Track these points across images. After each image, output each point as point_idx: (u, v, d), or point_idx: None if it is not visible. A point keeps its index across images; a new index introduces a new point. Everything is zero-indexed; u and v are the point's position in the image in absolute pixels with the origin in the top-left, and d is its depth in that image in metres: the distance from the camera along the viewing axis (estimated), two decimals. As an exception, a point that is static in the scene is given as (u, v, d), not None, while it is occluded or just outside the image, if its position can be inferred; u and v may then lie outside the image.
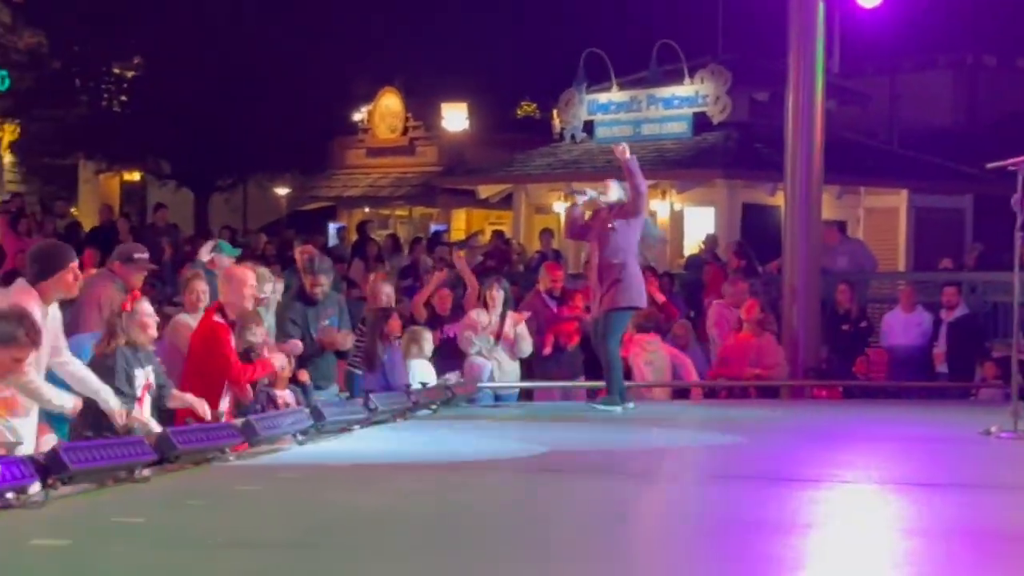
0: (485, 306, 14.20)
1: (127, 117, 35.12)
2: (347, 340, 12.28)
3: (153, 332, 9.48)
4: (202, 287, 11.49)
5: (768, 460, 10.06)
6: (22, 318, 7.53)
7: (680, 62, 27.62)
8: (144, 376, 9.30)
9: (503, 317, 14.10)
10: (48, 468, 7.03)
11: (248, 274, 10.69)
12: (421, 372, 13.07)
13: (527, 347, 14.24)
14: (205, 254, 13.23)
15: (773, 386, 15.89)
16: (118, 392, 8.83)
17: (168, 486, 7.87)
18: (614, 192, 13.11)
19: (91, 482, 7.52)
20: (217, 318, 10.33)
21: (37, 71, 35.71)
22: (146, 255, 10.78)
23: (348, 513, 7.27)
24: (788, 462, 9.91)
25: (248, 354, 10.34)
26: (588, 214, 13.45)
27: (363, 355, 12.73)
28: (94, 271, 13.00)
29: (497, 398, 14.30)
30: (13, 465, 6.83)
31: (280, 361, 10.76)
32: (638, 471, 9.62)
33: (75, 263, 8.39)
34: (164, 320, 11.89)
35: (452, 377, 13.53)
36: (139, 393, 9.23)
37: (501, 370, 14.09)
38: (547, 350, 14.50)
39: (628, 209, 12.99)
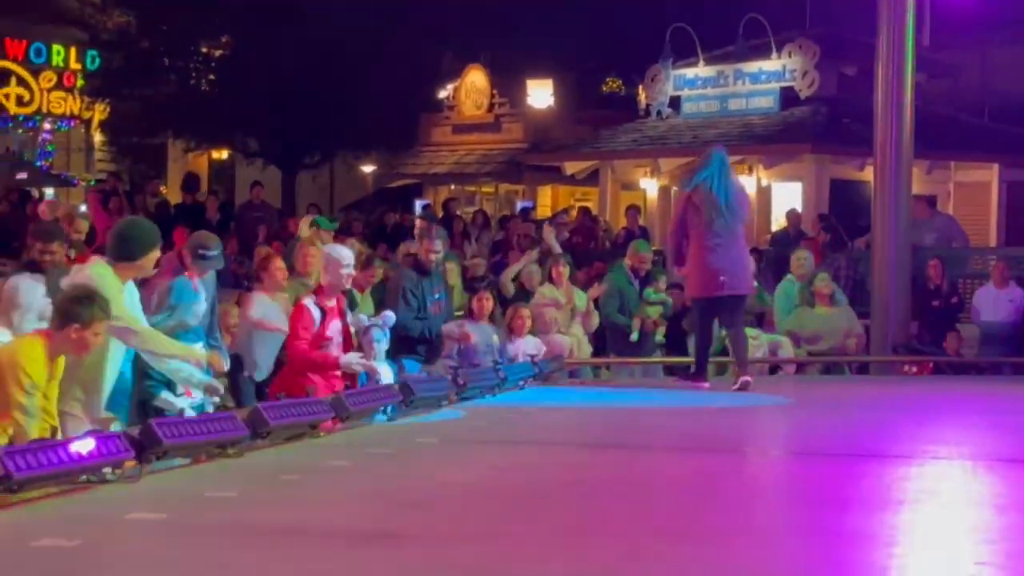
0: (552, 283, 14.22)
1: (214, 96, 35.37)
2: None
3: (193, 321, 9.61)
4: (280, 264, 11.59)
5: (858, 435, 9.99)
6: (91, 295, 7.73)
7: (767, 36, 27.45)
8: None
9: (570, 293, 14.13)
10: (143, 443, 7.13)
11: (343, 253, 10.67)
12: (526, 348, 13.15)
13: (596, 321, 14.24)
14: (305, 228, 13.33)
15: (863, 362, 15.77)
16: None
17: (260, 461, 7.95)
18: None
19: (184, 457, 7.62)
20: (306, 301, 10.40)
21: (126, 51, 36.04)
22: (217, 252, 10.62)
23: (437, 488, 7.31)
24: (878, 438, 9.83)
25: None
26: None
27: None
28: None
29: (571, 374, 14.31)
30: (109, 440, 6.93)
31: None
32: (727, 446, 9.60)
33: (157, 250, 8.61)
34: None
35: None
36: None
37: (579, 347, 14.09)
38: (634, 336, 14.37)
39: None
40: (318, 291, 10.52)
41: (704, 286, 12.53)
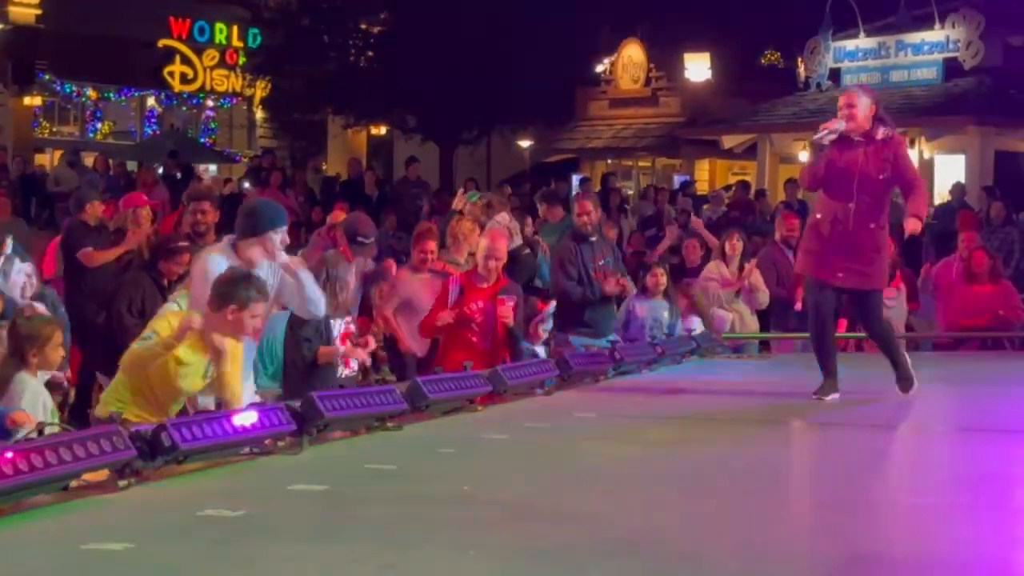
0: (724, 257, 14.10)
1: (373, 72, 35.67)
2: (627, 285, 11.69)
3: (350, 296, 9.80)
4: (432, 247, 11.62)
5: (1018, 413, 9.78)
6: (247, 277, 7.76)
7: (930, 6, 26.98)
8: (341, 326, 9.60)
9: (742, 268, 13.99)
10: (304, 416, 7.23)
11: (492, 244, 10.58)
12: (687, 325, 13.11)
13: (764, 298, 14.10)
14: (459, 203, 13.43)
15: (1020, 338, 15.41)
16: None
17: (418, 434, 8.00)
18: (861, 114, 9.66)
19: (344, 430, 7.71)
20: (452, 280, 10.46)
21: (287, 28, 36.50)
22: (372, 240, 10.73)
23: (595, 463, 7.31)
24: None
25: None
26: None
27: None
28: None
29: (736, 350, 14.19)
30: (272, 412, 7.04)
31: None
32: (882, 422, 9.48)
33: (274, 232, 8.23)
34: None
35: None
36: (335, 343, 9.55)
37: (742, 322, 13.97)
38: (798, 306, 14.22)
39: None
40: (472, 271, 10.55)
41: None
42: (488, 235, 10.90)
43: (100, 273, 11.85)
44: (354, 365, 9.74)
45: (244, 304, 7.64)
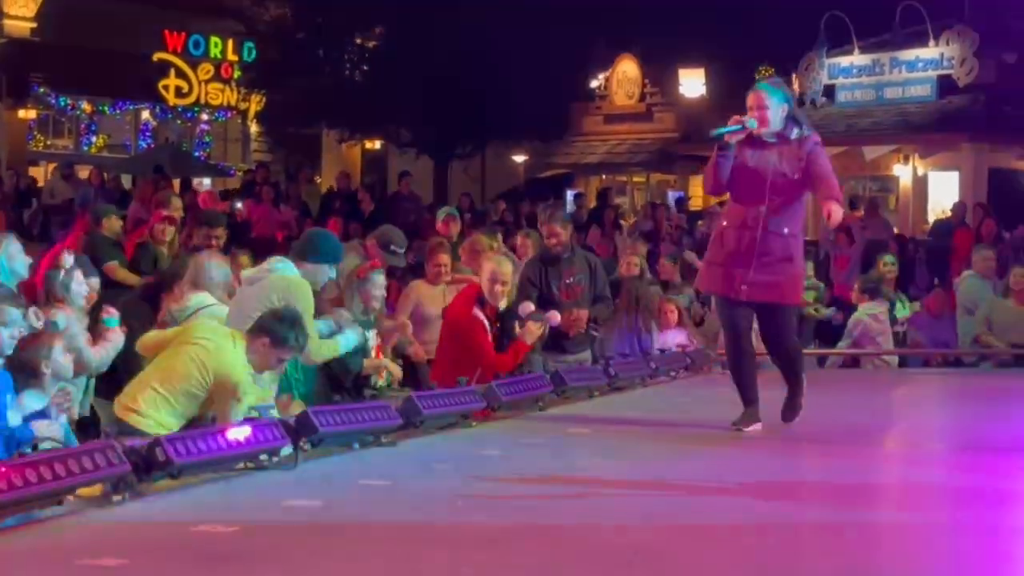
0: None
1: (368, 86, 35.68)
2: (581, 319, 11.37)
3: (377, 304, 9.87)
4: (445, 259, 11.68)
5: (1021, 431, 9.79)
6: (295, 323, 7.81)
7: (924, 23, 27.04)
8: (374, 339, 9.65)
9: None
10: (299, 431, 7.22)
11: (502, 270, 10.58)
12: (675, 340, 13.10)
13: None
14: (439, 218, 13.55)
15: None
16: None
17: (413, 450, 8.00)
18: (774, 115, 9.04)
19: (339, 445, 7.71)
20: (477, 312, 10.38)
21: (282, 42, 36.51)
22: (404, 249, 10.99)
23: (589, 479, 7.31)
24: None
25: None
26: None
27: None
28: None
29: None
30: (266, 428, 7.03)
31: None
32: (882, 439, 9.48)
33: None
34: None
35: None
36: (371, 354, 9.58)
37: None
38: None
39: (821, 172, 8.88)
40: (477, 294, 10.55)
41: None
42: (493, 259, 10.83)
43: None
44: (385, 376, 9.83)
45: (278, 344, 7.71)
